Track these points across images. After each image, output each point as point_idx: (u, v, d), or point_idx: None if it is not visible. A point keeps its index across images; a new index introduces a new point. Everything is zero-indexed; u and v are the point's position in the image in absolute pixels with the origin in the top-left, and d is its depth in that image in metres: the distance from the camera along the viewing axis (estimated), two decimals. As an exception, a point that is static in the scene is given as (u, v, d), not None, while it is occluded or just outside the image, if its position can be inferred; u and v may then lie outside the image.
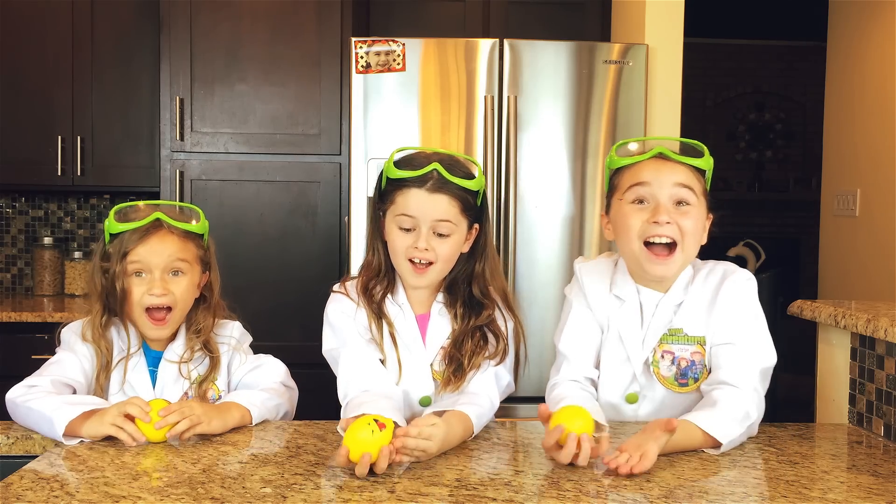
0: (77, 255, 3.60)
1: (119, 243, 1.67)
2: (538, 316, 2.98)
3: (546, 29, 3.51)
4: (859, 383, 1.69)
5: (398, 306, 1.70)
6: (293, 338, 3.14)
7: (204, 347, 1.74)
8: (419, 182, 1.60)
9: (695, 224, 1.59)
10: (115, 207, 1.71)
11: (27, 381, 1.62)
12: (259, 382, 1.74)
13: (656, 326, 1.64)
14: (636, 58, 2.98)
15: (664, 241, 1.57)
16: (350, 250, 2.93)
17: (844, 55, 3.92)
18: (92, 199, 3.73)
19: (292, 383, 1.80)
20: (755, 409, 1.54)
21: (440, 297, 1.71)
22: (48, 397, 1.56)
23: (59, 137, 3.32)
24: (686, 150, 1.62)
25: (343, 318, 1.69)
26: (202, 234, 1.76)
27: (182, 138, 3.18)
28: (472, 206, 1.66)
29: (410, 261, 1.63)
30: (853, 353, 1.71)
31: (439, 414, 1.51)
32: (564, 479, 1.33)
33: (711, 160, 1.63)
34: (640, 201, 1.59)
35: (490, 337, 1.67)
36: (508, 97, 2.92)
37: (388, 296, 1.70)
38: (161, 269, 1.67)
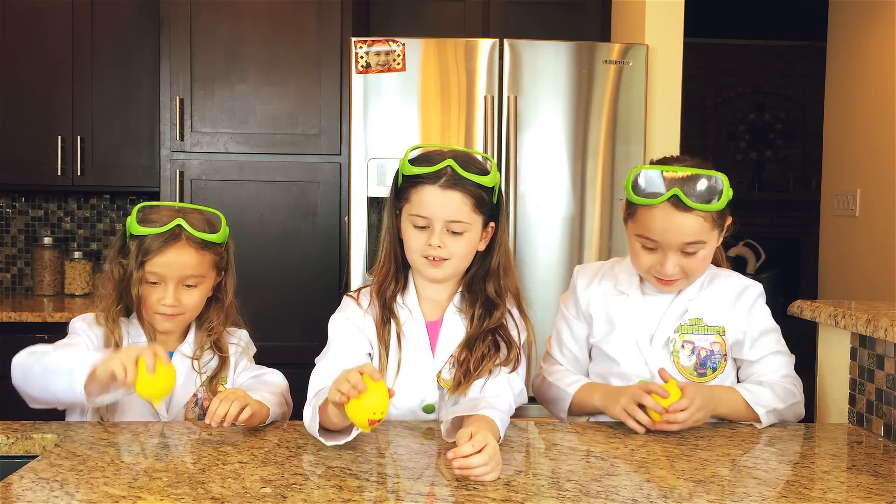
0: (77, 254, 3.60)
1: (138, 247, 1.67)
2: (539, 317, 2.93)
3: (546, 29, 3.51)
4: (859, 383, 1.69)
5: (408, 310, 1.68)
6: (293, 338, 3.14)
7: (214, 346, 1.76)
8: (433, 178, 1.60)
9: (702, 260, 1.65)
10: (139, 206, 1.72)
11: (31, 347, 1.62)
12: (260, 390, 1.73)
13: (669, 319, 1.70)
14: (636, 58, 2.98)
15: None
16: (350, 250, 2.93)
17: (844, 55, 3.92)
18: (92, 198, 3.73)
19: (290, 400, 1.78)
20: (798, 390, 1.69)
21: (456, 299, 1.69)
22: (65, 350, 1.57)
23: (59, 137, 3.31)
24: (706, 189, 1.60)
25: (341, 325, 1.68)
26: (221, 242, 1.75)
27: (182, 138, 3.18)
28: (487, 203, 1.64)
29: (425, 256, 1.63)
30: (853, 353, 1.71)
31: (459, 421, 1.49)
32: (564, 478, 1.33)
33: (730, 193, 1.63)
34: (650, 248, 1.65)
35: (502, 345, 1.65)
36: (508, 97, 2.92)
37: (399, 297, 1.69)
38: (176, 281, 1.68)
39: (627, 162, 3.00)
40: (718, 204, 1.61)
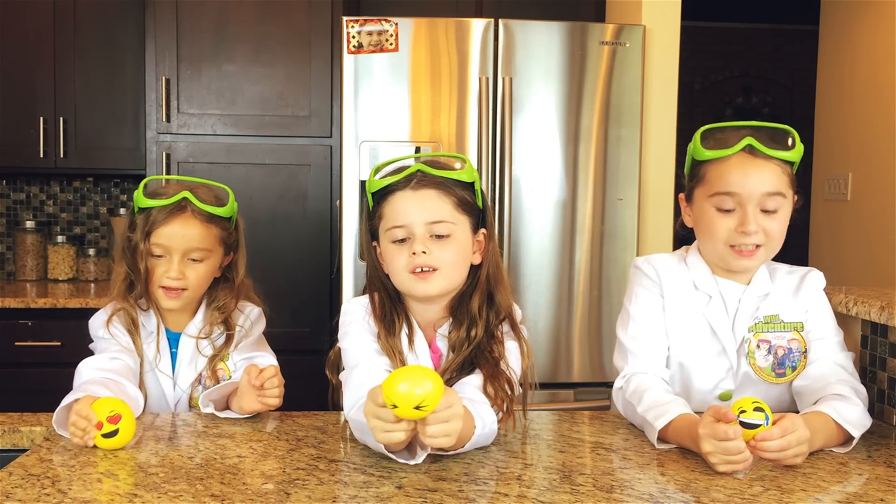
0: (60, 239, 3.52)
1: (144, 220, 1.65)
2: (532, 301, 2.94)
3: (539, 9, 3.45)
4: (870, 372, 1.65)
5: (415, 355, 1.50)
6: (282, 324, 3.04)
7: (223, 324, 1.73)
8: (403, 184, 1.45)
9: (781, 224, 1.54)
10: (145, 180, 1.71)
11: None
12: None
13: (742, 318, 1.60)
14: (632, 39, 2.93)
15: (750, 246, 1.54)
16: (342, 235, 2.87)
17: (837, 37, 3.88)
18: (75, 181, 3.65)
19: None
20: (864, 392, 1.53)
21: (444, 327, 1.51)
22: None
23: (41, 118, 3.23)
24: (776, 139, 1.53)
25: (358, 322, 1.52)
26: (229, 217, 1.74)
27: (168, 119, 3.10)
28: (470, 204, 1.49)
29: (412, 272, 1.45)
30: (863, 342, 1.67)
31: None
32: (577, 472, 1.29)
33: (801, 147, 1.54)
34: (727, 210, 1.54)
35: (489, 389, 1.43)
36: (504, 79, 2.87)
37: (405, 336, 1.50)
38: (180, 253, 1.65)
39: (619, 146, 2.95)
40: (794, 152, 1.52)
